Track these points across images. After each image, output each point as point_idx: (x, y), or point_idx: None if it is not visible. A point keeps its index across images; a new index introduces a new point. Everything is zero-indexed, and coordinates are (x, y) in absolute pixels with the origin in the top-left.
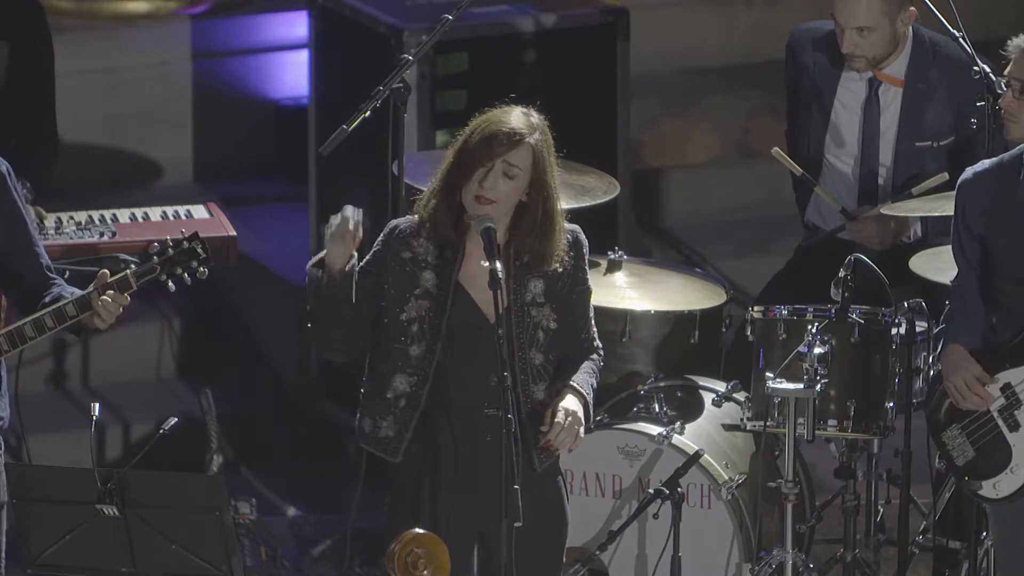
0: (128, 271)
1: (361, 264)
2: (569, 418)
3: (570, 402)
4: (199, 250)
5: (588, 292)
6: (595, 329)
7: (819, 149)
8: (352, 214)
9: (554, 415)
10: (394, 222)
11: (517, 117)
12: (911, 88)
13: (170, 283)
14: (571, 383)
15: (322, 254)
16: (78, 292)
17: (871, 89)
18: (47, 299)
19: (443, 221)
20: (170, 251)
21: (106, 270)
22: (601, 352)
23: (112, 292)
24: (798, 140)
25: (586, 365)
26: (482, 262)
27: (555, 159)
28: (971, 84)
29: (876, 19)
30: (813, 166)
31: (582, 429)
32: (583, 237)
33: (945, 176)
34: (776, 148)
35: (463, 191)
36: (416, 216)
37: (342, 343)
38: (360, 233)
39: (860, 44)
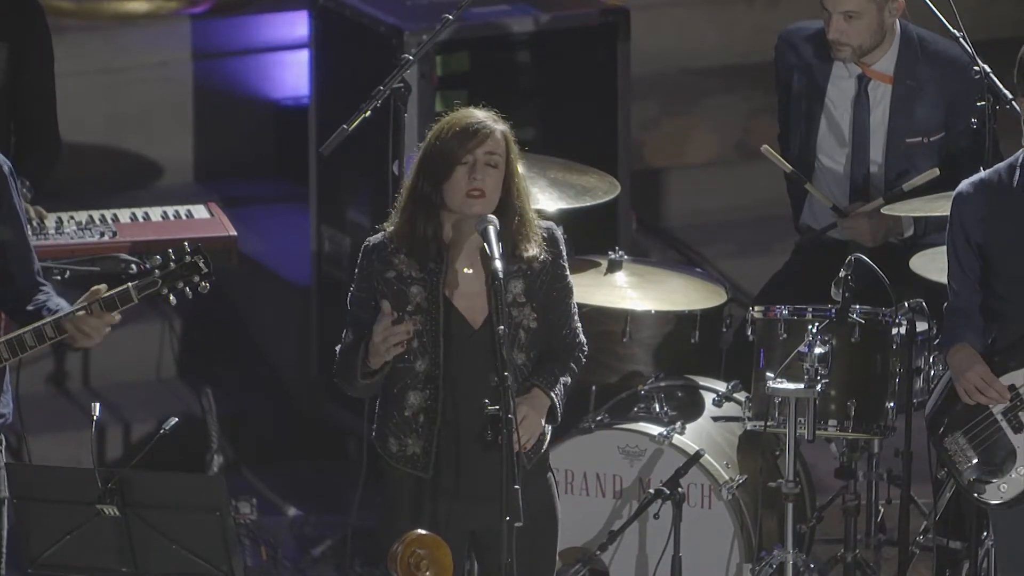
0: (130, 285)
1: (355, 293)
2: (524, 420)
3: (529, 403)
4: (201, 264)
5: (569, 289)
6: (579, 325)
7: (810, 148)
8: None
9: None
10: (369, 242)
11: (477, 112)
12: (900, 85)
13: (171, 297)
14: (537, 383)
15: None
16: (63, 305)
17: (860, 86)
18: (30, 307)
19: (421, 235)
20: (172, 264)
21: (100, 286)
22: (584, 349)
23: (96, 312)
24: (789, 140)
25: (562, 361)
26: (465, 269)
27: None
28: (960, 79)
29: (863, 5)
30: (805, 165)
31: (547, 428)
32: (559, 233)
33: (936, 172)
34: (766, 146)
35: (446, 194)
36: (386, 232)
37: (366, 393)
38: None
39: (846, 31)
